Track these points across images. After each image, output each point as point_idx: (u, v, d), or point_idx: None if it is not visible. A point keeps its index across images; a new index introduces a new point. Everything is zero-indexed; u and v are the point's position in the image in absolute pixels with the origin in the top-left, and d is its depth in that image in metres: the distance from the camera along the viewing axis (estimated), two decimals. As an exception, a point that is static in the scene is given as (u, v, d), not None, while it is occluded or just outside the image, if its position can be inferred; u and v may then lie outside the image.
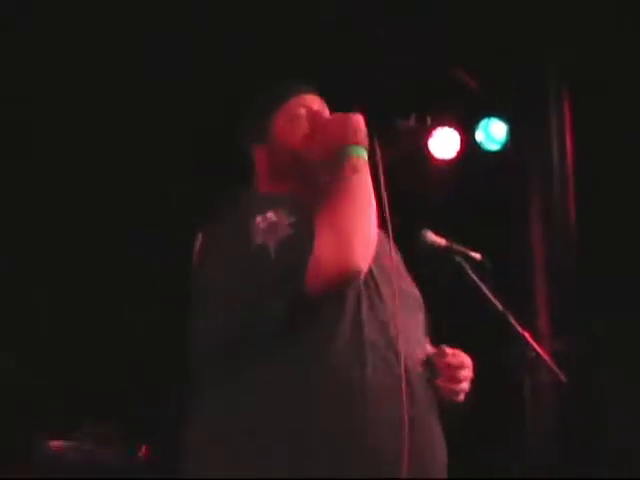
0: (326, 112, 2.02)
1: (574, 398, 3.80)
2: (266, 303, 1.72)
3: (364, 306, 1.80)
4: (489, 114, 4.60)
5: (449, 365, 1.85)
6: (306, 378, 1.74)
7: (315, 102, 2.01)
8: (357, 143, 1.83)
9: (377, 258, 1.80)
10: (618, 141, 4.24)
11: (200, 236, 1.91)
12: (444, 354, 1.86)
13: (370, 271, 1.79)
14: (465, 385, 1.89)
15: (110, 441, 3.49)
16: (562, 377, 2.63)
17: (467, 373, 1.88)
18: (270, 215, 1.75)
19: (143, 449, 3.51)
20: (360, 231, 1.75)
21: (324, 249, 1.69)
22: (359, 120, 1.86)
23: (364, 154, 1.83)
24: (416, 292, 1.99)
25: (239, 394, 1.76)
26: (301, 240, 1.70)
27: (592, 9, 4.08)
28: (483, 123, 4.59)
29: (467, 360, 1.89)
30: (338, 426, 1.71)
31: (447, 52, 4.50)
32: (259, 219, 1.74)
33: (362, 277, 1.75)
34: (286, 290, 1.70)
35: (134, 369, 4.14)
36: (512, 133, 4.49)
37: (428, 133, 4.52)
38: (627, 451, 3.96)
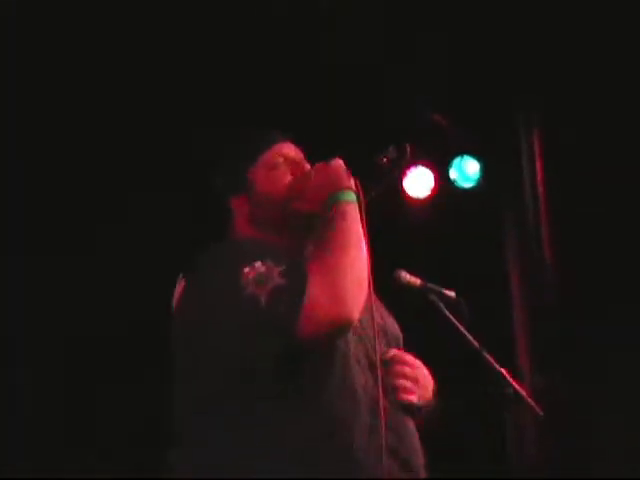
0: (303, 160, 2.03)
1: (554, 433, 3.83)
2: (257, 356, 1.72)
3: (351, 347, 1.83)
4: (462, 153, 4.60)
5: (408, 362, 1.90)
6: (298, 429, 1.73)
7: (292, 150, 2.02)
8: (344, 188, 1.85)
9: None
10: (588, 173, 4.29)
11: (182, 281, 1.90)
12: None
13: None
14: (426, 392, 1.92)
15: None
16: (539, 412, 2.53)
17: (425, 379, 1.92)
18: (258, 265, 1.74)
19: None
20: (353, 280, 1.76)
21: (317, 300, 1.69)
22: (341, 165, 1.89)
23: (353, 197, 1.85)
24: (396, 328, 2.02)
25: (231, 436, 1.75)
26: (293, 291, 1.70)
27: (557, 52, 4.20)
28: (456, 161, 4.64)
29: (417, 362, 1.92)
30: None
31: (420, 95, 4.54)
32: (247, 269, 1.73)
33: (349, 325, 1.75)
34: (278, 344, 1.70)
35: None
36: (485, 170, 4.52)
37: (407, 163, 4.61)
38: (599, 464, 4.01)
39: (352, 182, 1.89)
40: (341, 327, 1.70)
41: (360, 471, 1.73)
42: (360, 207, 1.88)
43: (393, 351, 1.92)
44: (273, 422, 1.73)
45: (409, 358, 1.93)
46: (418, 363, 1.94)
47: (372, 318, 1.87)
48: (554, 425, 3.61)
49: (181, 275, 1.92)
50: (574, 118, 4.43)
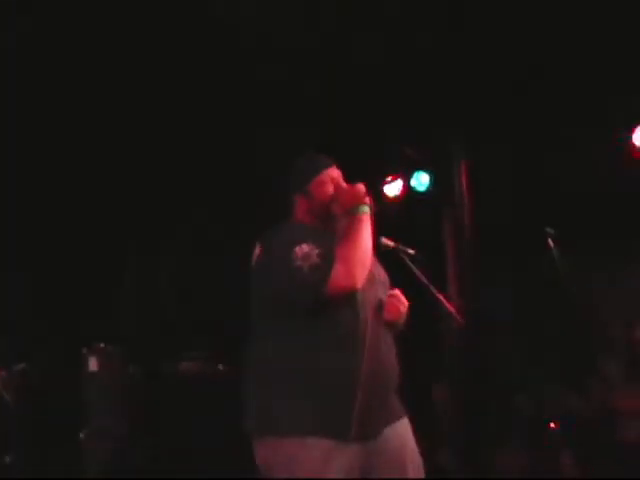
0: (341, 179, 2.60)
1: (472, 336, 4.96)
2: (298, 302, 2.31)
3: (365, 291, 2.38)
4: (419, 169, 5.74)
5: (393, 294, 2.52)
6: (322, 341, 2.35)
7: (335, 172, 2.60)
8: (362, 204, 2.45)
9: None
10: (494, 182, 5.57)
11: (258, 246, 2.47)
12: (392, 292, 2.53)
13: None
14: (403, 309, 2.51)
15: (203, 361, 5.23)
16: (461, 322, 3.25)
17: (403, 302, 2.51)
18: (304, 246, 2.31)
19: (221, 366, 5.25)
20: (361, 262, 2.34)
21: (339, 275, 2.29)
22: (362, 187, 2.49)
23: (367, 210, 2.43)
24: (384, 275, 2.63)
25: (280, 340, 2.38)
26: (324, 267, 2.28)
27: (489, 92, 5.10)
28: (416, 174, 5.77)
29: (404, 298, 2.54)
30: (341, 366, 2.33)
31: (396, 130, 5.46)
32: (297, 248, 2.31)
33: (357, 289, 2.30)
34: (313, 296, 2.29)
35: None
36: (433, 180, 5.60)
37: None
38: (503, 360, 5.23)
39: (368, 199, 2.48)
40: (350, 291, 2.32)
41: (356, 360, 2.32)
42: (370, 215, 2.45)
43: (394, 291, 2.52)
44: (303, 335, 2.35)
45: (396, 292, 2.54)
46: (400, 296, 2.54)
47: (373, 275, 2.47)
48: (469, 330, 4.64)
49: (258, 243, 2.48)
50: (489, 147, 5.53)
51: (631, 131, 5.11)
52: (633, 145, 5.11)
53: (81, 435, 4.93)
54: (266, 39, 4.54)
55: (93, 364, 5.00)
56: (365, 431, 2.32)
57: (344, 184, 2.55)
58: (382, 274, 2.61)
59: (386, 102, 5.14)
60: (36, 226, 5.66)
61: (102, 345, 5.08)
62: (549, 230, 3.88)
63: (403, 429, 2.48)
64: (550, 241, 3.89)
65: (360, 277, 2.31)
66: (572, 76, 4.90)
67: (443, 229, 5.54)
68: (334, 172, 2.59)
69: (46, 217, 5.71)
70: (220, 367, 5.24)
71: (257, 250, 2.44)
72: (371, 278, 2.43)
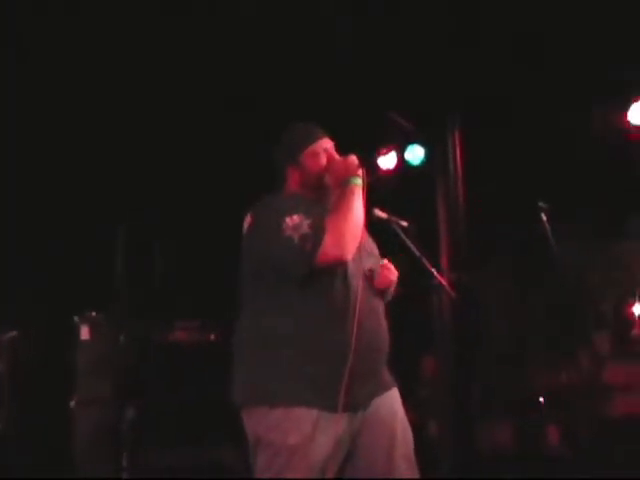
0: (333, 149, 2.59)
1: (462, 308, 5.00)
2: (288, 271, 2.33)
3: (355, 261, 2.40)
4: (414, 142, 5.67)
5: (383, 264, 2.56)
6: (311, 312, 2.36)
7: (329, 143, 2.60)
8: (354, 175, 2.45)
9: None
10: (494, 157, 5.57)
11: (249, 215, 2.48)
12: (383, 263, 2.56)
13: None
14: (393, 277, 2.56)
15: (194, 330, 5.29)
16: (453, 294, 3.71)
17: (394, 272, 2.56)
18: (295, 217, 2.32)
19: (212, 335, 5.31)
20: (351, 233, 2.34)
21: (328, 244, 2.29)
22: (355, 159, 2.48)
23: (359, 182, 2.43)
24: (373, 246, 2.66)
25: (270, 310, 2.38)
26: (315, 237, 2.28)
27: (485, 66, 5.10)
28: (410, 147, 5.72)
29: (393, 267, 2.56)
30: (331, 336, 2.33)
31: (392, 103, 5.39)
32: (288, 219, 2.32)
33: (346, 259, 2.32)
34: (302, 266, 2.30)
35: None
36: (427, 154, 5.61)
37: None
38: (492, 334, 5.46)
39: (361, 171, 2.46)
40: (340, 261, 2.34)
41: (343, 328, 2.33)
42: (363, 187, 2.44)
43: (384, 261, 2.55)
44: (293, 305, 2.37)
45: (386, 262, 2.57)
46: (390, 265, 2.57)
47: (363, 246, 2.48)
48: (461, 303, 4.72)
49: (249, 212, 2.49)
50: (482, 122, 5.50)
51: (626, 108, 5.14)
52: (627, 122, 5.14)
53: (71, 403, 4.94)
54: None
55: (85, 332, 5.00)
56: (354, 402, 2.33)
57: (337, 155, 2.55)
58: (371, 245, 2.63)
59: (383, 76, 5.15)
60: (30, 195, 5.70)
61: (94, 314, 5.09)
62: (542, 204, 3.86)
63: (393, 400, 2.48)
64: (543, 215, 3.86)
65: (350, 248, 2.32)
66: (569, 50, 4.91)
67: (436, 202, 5.47)
68: (327, 143, 2.59)
69: (40, 186, 5.75)
70: (212, 336, 5.26)
71: (248, 219, 2.45)
72: (361, 249, 2.44)
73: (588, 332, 5.43)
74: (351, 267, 2.38)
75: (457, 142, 5.41)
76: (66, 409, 4.92)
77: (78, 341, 5.03)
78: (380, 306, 2.50)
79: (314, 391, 2.29)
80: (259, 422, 2.32)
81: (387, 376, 2.50)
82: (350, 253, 2.32)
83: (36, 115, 5.40)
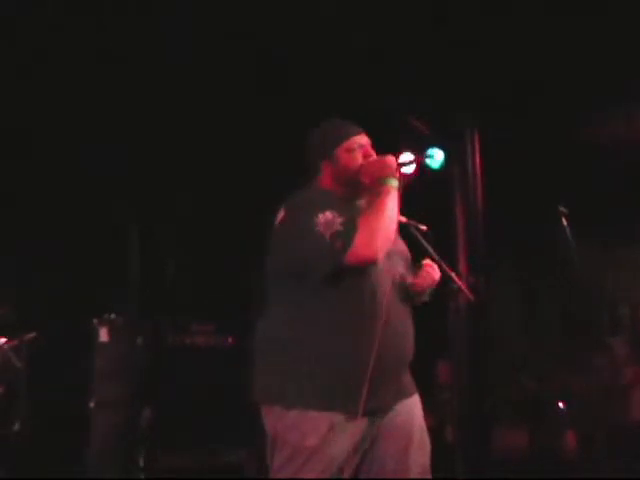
0: (370, 147, 2.57)
1: (480, 312, 4.99)
2: (318, 269, 2.30)
3: (385, 264, 2.38)
4: (433, 145, 4.74)
5: (428, 264, 2.55)
6: (337, 313, 2.34)
7: (364, 140, 2.58)
8: (392, 175, 2.44)
9: None
10: (509, 164, 5.53)
11: (282, 210, 2.47)
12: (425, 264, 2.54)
13: None
14: (437, 277, 2.52)
15: (210, 333, 5.33)
16: (472, 299, 3.51)
17: (437, 271, 2.54)
18: (327, 214, 2.30)
19: (230, 338, 5.34)
20: (383, 234, 2.31)
21: (360, 244, 2.26)
22: (393, 159, 2.46)
23: (396, 183, 2.42)
24: (405, 250, 2.65)
25: (294, 309, 2.38)
26: (346, 236, 2.26)
27: (499, 80, 5.07)
28: (429, 151, 4.87)
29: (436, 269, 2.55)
30: (356, 340, 2.30)
31: (412, 107, 5.34)
32: (320, 215, 2.30)
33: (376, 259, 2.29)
34: (333, 263, 2.27)
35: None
36: (446, 158, 4.65)
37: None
38: (508, 339, 5.45)
39: (397, 173, 2.45)
40: (369, 261, 2.30)
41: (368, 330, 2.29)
42: (398, 189, 2.42)
43: (428, 260, 2.56)
44: (318, 305, 2.34)
45: (429, 261, 2.58)
46: (433, 264, 2.55)
47: (394, 250, 2.47)
48: (479, 307, 4.76)
49: (283, 207, 2.48)
50: (500, 127, 5.39)
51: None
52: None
53: (90, 405, 4.97)
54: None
55: (103, 335, 5.02)
56: (374, 407, 2.31)
57: (373, 153, 2.54)
58: (403, 249, 2.62)
59: (402, 80, 5.09)
60: (47, 196, 5.71)
61: (112, 316, 5.11)
62: (562, 209, 3.85)
63: (412, 406, 2.47)
64: (563, 220, 3.85)
65: (381, 248, 2.30)
66: (588, 48, 4.84)
67: (455, 206, 5.43)
68: (363, 139, 2.57)
69: (56, 187, 5.76)
70: (228, 339, 5.26)
71: (280, 214, 2.44)
72: (392, 252, 2.43)
73: (605, 336, 5.42)
74: (380, 270, 2.37)
75: (476, 146, 5.37)
76: (84, 410, 4.94)
77: (97, 343, 5.06)
78: (408, 312, 2.49)
79: (334, 395, 2.27)
80: (277, 421, 2.32)
81: (409, 382, 2.50)
82: (381, 253, 2.30)
83: (48, 119, 5.38)
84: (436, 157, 4.68)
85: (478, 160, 5.39)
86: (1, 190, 5.47)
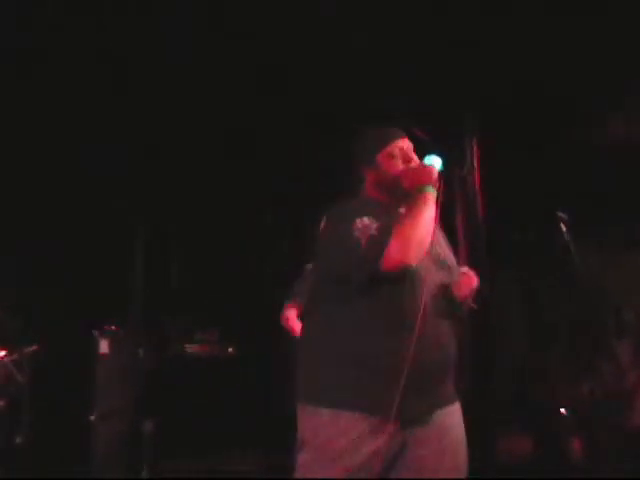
0: (412, 152, 2.60)
1: (484, 320, 5.02)
2: (353, 273, 2.33)
3: (426, 272, 2.36)
4: (432, 152, 5.47)
5: (465, 272, 2.52)
6: (372, 319, 2.36)
7: (406, 144, 2.61)
8: (432, 184, 2.46)
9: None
10: (507, 169, 5.54)
11: (325, 217, 2.51)
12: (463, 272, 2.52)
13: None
14: (474, 285, 2.50)
15: (212, 343, 5.32)
16: (473, 305, 3.20)
17: (475, 280, 2.51)
18: (365, 220, 2.35)
19: (230, 349, 5.34)
20: (418, 241, 2.30)
21: (394, 249, 2.28)
22: (434, 170, 2.49)
23: (434, 191, 2.43)
24: (452, 259, 2.62)
25: (333, 313, 2.42)
26: (381, 241, 2.29)
27: (497, 88, 5.07)
28: (427, 157, 5.59)
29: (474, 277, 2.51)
30: (389, 349, 2.30)
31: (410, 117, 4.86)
32: (358, 221, 2.35)
33: (414, 266, 2.28)
34: (367, 268, 2.30)
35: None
36: (445, 164, 5.36)
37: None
38: (508, 341, 5.40)
39: (437, 183, 2.46)
40: (403, 267, 2.30)
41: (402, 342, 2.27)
42: (437, 198, 2.43)
43: (466, 268, 2.55)
44: (355, 310, 2.36)
45: (467, 270, 2.57)
46: (471, 272, 2.53)
47: (438, 259, 2.49)
48: (481, 313, 4.31)
49: (325, 215, 2.52)
50: (498, 134, 5.39)
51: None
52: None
53: (91, 417, 4.98)
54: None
55: (104, 346, 5.04)
56: (406, 414, 2.30)
57: (414, 157, 2.56)
58: (447, 257, 2.59)
59: (399, 85, 5.06)
60: (47, 206, 5.73)
61: (113, 328, 5.13)
62: (561, 214, 3.78)
63: (450, 416, 2.45)
64: (562, 225, 3.77)
65: (415, 255, 2.29)
66: (586, 52, 4.84)
67: (455, 213, 5.41)
68: (404, 143, 2.59)
69: (56, 196, 5.77)
70: (230, 350, 5.26)
71: (322, 223, 2.48)
72: (436, 261, 2.44)
73: (609, 341, 5.35)
74: (418, 277, 2.36)
75: (475, 152, 5.38)
76: (86, 422, 4.96)
77: (97, 355, 5.07)
78: (448, 322, 2.45)
79: (366, 397, 2.29)
80: (308, 419, 2.35)
81: (447, 392, 2.47)
82: (414, 260, 2.30)
83: (48, 119, 5.37)
84: (435, 163, 4.89)
85: (477, 164, 5.42)
86: (1, 190, 5.50)
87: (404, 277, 2.33)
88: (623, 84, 5.00)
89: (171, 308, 5.84)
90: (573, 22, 4.53)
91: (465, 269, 2.54)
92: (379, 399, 2.28)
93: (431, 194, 2.41)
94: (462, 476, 2.44)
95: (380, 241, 2.28)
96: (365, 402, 2.30)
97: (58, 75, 4.92)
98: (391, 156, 2.55)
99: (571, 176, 5.61)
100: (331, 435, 2.30)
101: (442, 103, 5.16)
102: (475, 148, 5.41)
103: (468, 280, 2.50)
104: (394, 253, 2.27)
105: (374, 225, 2.32)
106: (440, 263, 2.49)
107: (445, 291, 2.44)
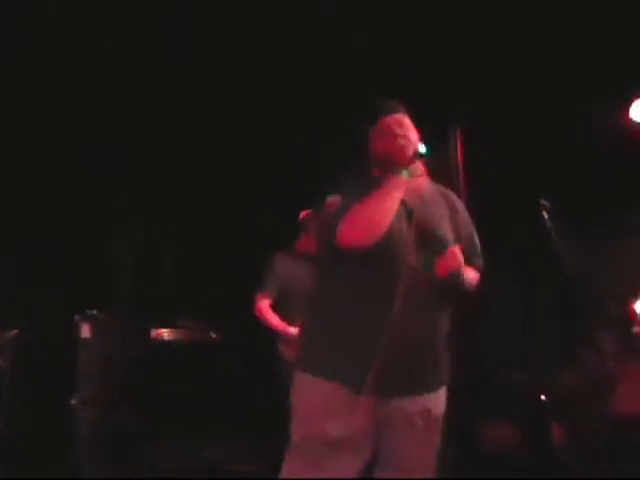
0: (399, 125, 2.57)
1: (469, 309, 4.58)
2: (318, 250, 2.55)
3: (391, 249, 2.40)
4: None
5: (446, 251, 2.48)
6: (355, 290, 2.42)
7: (395, 122, 2.59)
8: (404, 166, 2.46)
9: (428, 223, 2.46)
10: (496, 156, 5.59)
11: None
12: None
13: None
14: (453, 264, 2.46)
15: (194, 329, 5.32)
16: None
17: (455, 259, 2.48)
18: (334, 197, 2.42)
19: (213, 334, 5.34)
20: (368, 223, 2.35)
21: (343, 230, 2.36)
22: (412, 150, 2.49)
23: (405, 174, 2.43)
24: (447, 233, 2.62)
25: (323, 287, 2.56)
26: (333, 220, 2.38)
27: (480, 85, 5.11)
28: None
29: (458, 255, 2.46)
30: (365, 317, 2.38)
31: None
32: (330, 199, 2.43)
33: (368, 247, 2.34)
34: (325, 246, 2.46)
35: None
36: (429, 152, 5.51)
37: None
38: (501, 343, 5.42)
39: (413, 165, 2.48)
40: (359, 248, 2.35)
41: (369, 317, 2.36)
42: (410, 182, 2.45)
43: (450, 248, 2.50)
44: (339, 283, 2.46)
45: (451, 249, 2.51)
46: (455, 252, 2.48)
47: (427, 237, 2.50)
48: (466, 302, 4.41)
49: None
50: (485, 122, 5.43)
51: (628, 104, 5.18)
52: (629, 119, 5.18)
53: (72, 402, 4.94)
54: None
55: (85, 331, 4.99)
56: (380, 389, 2.33)
57: (403, 131, 2.53)
58: (443, 235, 2.57)
59: (384, 78, 5.02)
60: (31, 193, 5.71)
61: (94, 312, 5.08)
62: (544, 202, 3.83)
63: (428, 402, 2.48)
64: (545, 213, 3.81)
65: (364, 236, 2.32)
66: (570, 47, 4.86)
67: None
68: (392, 121, 2.58)
69: (40, 185, 5.75)
70: (212, 335, 5.25)
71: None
72: (419, 239, 2.43)
73: (592, 330, 5.33)
74: (393, 256, 2.36)
75: (458, 142, 5.33)
76: (67, 408, 4.93)
77: (79, 340, 5.02)
78: (431, 301, 2.44)
79: (340, 367, 2.35)
80: (294, 383, 2.45)
81: (428, 377, 2.48)
82: (365, 241, 2.31)
83: (48, 119, 5.38)
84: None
85: (460, 156, 5.36)
86: (1, 190, 5.50)
87: (372, 255, 2.34)
88: (623, 82, 5.03)
89: (154, 293, 5.79)
90: (572, 21, 4.58)
91: (452, 248, 2.50)
92: (353, 369, 2.32)
93: (400, 176, 2.41)
94: (432, 462, 2.52)
95: (330, 222, 2.35)
96: (337, 369, 2.36)
97: (58, 75, 4.94)
98: (378, 133, 2.56)
99: (555, 166, 5.63)
100: (306, 397, 2.39)
101: (442, 103, 5.17)
102: (459, 140, 5.35)
103: (446, 260, 2.46)
104: (343, 232, 2.33)
105: (340, 204, 2.35)
106: (425, 242, 2.47)
107: (427, 270, 2.43)
